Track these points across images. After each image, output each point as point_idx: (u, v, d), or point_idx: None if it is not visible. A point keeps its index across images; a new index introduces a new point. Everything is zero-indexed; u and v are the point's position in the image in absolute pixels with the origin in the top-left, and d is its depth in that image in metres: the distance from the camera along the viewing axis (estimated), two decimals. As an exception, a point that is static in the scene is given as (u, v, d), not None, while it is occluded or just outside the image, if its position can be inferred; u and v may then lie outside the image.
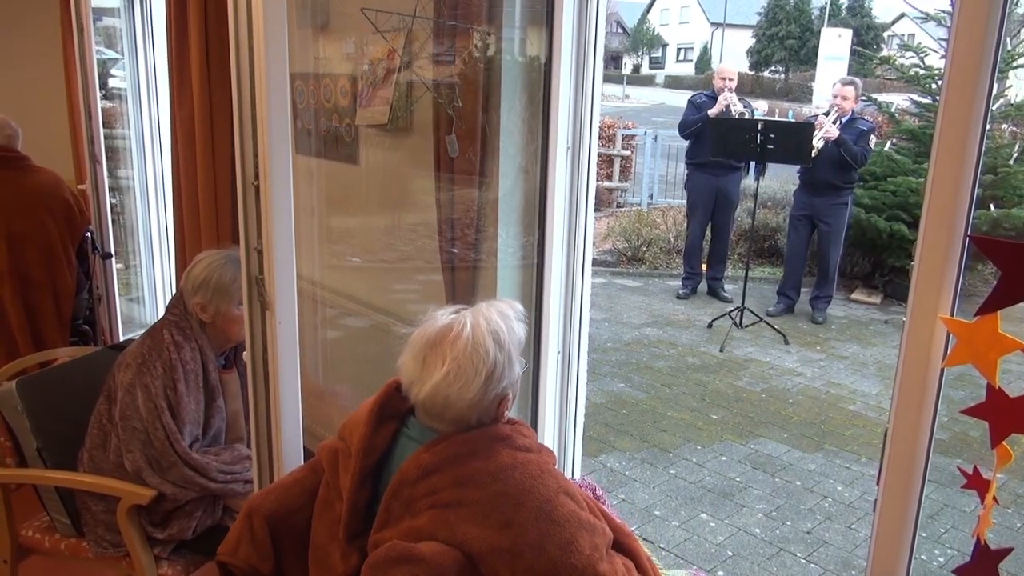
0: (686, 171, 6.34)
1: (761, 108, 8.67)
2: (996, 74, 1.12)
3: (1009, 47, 6.00)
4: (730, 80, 5.94)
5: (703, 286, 6.42)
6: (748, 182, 7.11)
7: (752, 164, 6.00)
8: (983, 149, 1.14)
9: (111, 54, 3.98)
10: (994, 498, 1.21)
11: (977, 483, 1.23)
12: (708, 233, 6.32)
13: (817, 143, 5.30)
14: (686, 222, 6.44)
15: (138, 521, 1.99)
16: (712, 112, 5.80)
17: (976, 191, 1.15)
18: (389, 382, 1.41)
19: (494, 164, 2.11)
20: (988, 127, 1.14)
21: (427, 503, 1.26)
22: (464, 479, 1.26)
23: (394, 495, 1.30)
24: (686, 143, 6.22)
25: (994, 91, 1.15)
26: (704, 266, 6.44)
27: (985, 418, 1.16)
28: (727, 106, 5.79)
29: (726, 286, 6.40)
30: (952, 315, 1.19)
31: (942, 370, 1.22)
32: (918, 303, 1.22)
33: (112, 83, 4.08)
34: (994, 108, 5.79)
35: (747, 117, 5.84)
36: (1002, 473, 1.18)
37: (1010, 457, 1.15)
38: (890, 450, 1.30)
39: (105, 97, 3.97)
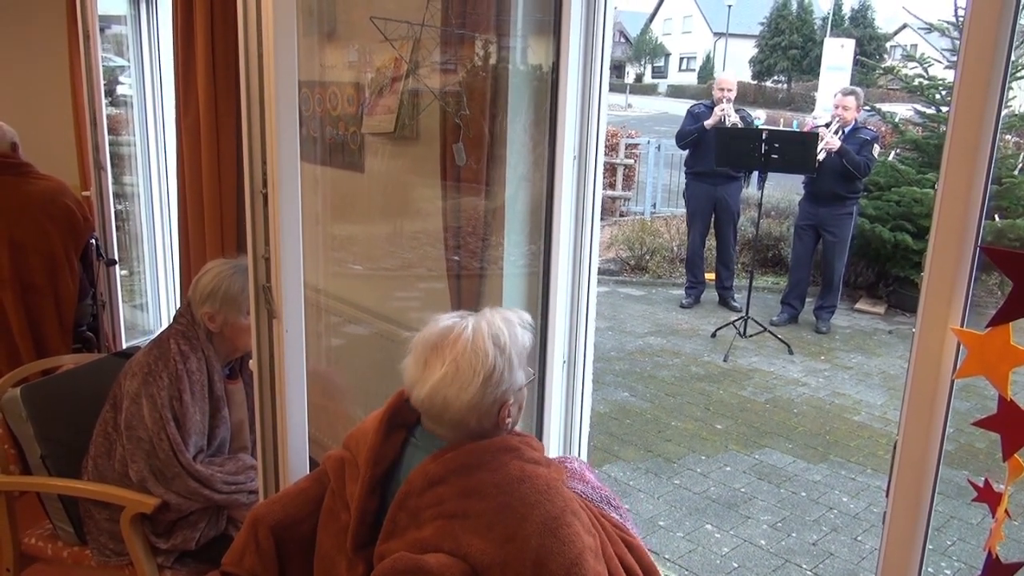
0: (685, 180, 6.36)
1: (759, 117, 8.67)
2: (1007, 83, 1.12)
3: (1014, 57, 5.99)
4: (728, 91, 5.89)
5: (711, 295, 6.41)
6: (751, 192, 7.12)
7: (755, 173, 5.99)
8: (994, 159, 1.13)
9: (119, 61, 3.99)
10: (1006, 511, 1.20)
11: (988, 496, 1.21)
12: (709, 242, 6.31)
13: (819, 155, 5.31)
14: (687, 232, 6.46)
15: (142, 530, 1.98)
16: (708, 123, 5.79)
17: (986, 201, 1.15)
18: (399, 391, 1.41)
19: (499, 172, 2.10)
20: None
21: (433, 513, 1.25)
22: (470, 490, 1.25)
23: (400, 505, 1.29)
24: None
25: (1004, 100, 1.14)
26: (708, 276, 6.43)
27: (997, 430, 1.15)
28: (722, 118, 5.76)
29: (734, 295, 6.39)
30: (962, 326, 1.18)
31: (952, 382, 1.21)
32: (928, 314, 1.21)
33: (120, 90, 4.09)
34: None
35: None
36: (1012, 486, 1.16)
37: (1022, 470, 1.14)
38: (899, 462, 1.29)
39: (112, 104, 3.98)
